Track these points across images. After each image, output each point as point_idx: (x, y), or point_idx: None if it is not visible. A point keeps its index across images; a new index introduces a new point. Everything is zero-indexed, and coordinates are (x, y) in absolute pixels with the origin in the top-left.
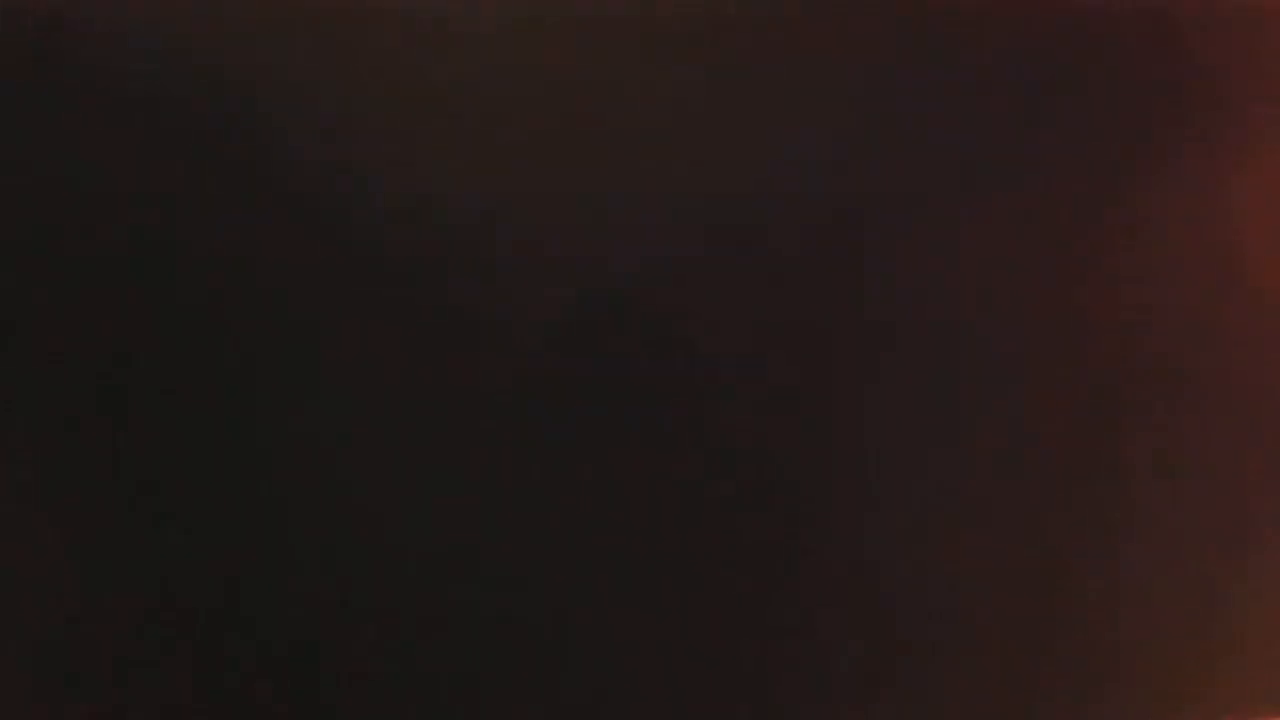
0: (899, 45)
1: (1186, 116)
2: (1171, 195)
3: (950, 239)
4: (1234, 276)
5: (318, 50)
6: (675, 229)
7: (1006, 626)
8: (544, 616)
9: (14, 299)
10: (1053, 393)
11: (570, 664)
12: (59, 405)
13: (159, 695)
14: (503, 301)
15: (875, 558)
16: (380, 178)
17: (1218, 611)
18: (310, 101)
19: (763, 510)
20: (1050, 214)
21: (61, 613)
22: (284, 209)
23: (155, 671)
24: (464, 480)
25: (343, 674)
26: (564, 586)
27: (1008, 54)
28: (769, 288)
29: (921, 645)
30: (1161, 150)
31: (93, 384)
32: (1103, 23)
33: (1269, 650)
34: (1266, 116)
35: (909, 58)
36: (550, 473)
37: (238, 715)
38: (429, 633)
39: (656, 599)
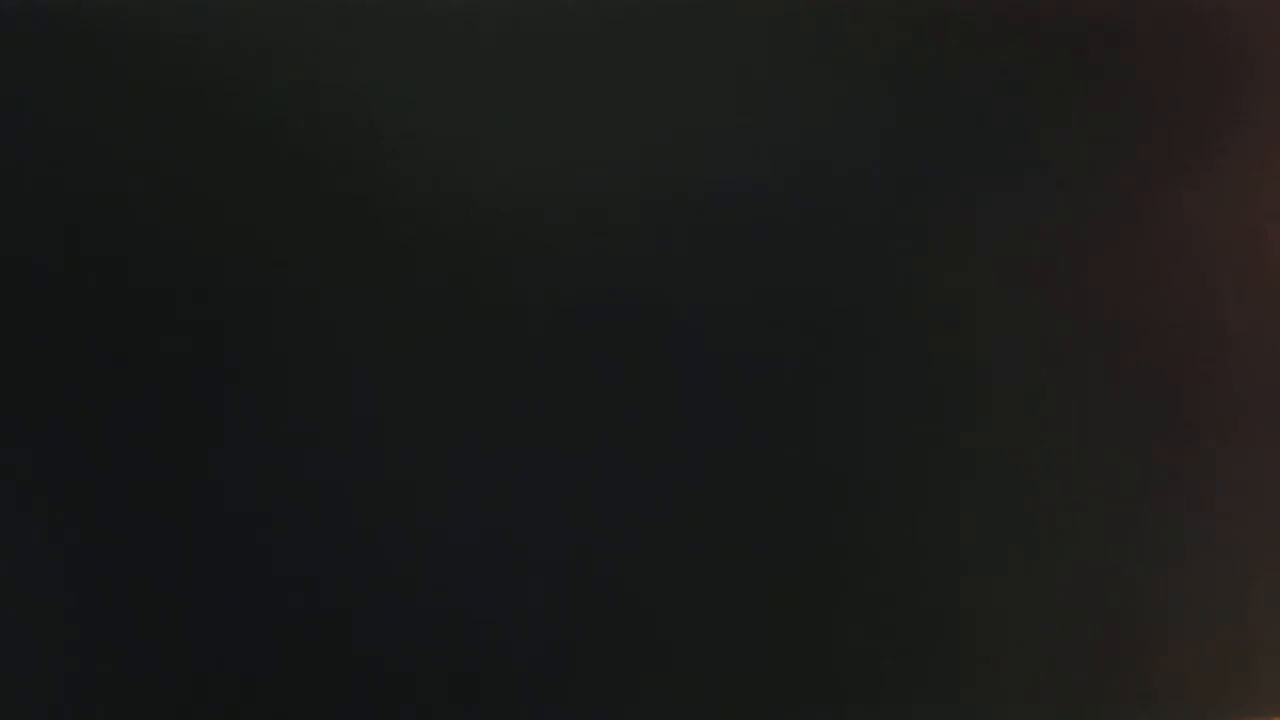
0: (926, 48)
1: (1227, 118)
2: (1218, 201)
3: (984, 243)
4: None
5: (325, 48)
6: (682, 225)
7: (1013, 628)
8: (548, 614)
9: (16, 297)
10: (1076, 400)
11: (574, 662)
12: (73, 401)
13: (159, 695)
14: (509, 296)
15: (887, 557)
16: (385, 176)
17: (1225, 614)
18: (320, 99)
19: (780, 508)
20: (1090, 218)
21: (61, 614)
22: (292, 206)
23: (155, 672)
24: (468, 477)
25: (348, 673)
26: (570, 583)
27: (1033, 54)
28: (790, 288)
29: (927, 646)
30: (1204, 154)
31: (97, 382)
32: (1138, 22)
33: (1275, 653)
34: None
35: (936, 59)
36: (558, 468)
37: (239, 714)
38: (434, 628)
39: (666, 594)
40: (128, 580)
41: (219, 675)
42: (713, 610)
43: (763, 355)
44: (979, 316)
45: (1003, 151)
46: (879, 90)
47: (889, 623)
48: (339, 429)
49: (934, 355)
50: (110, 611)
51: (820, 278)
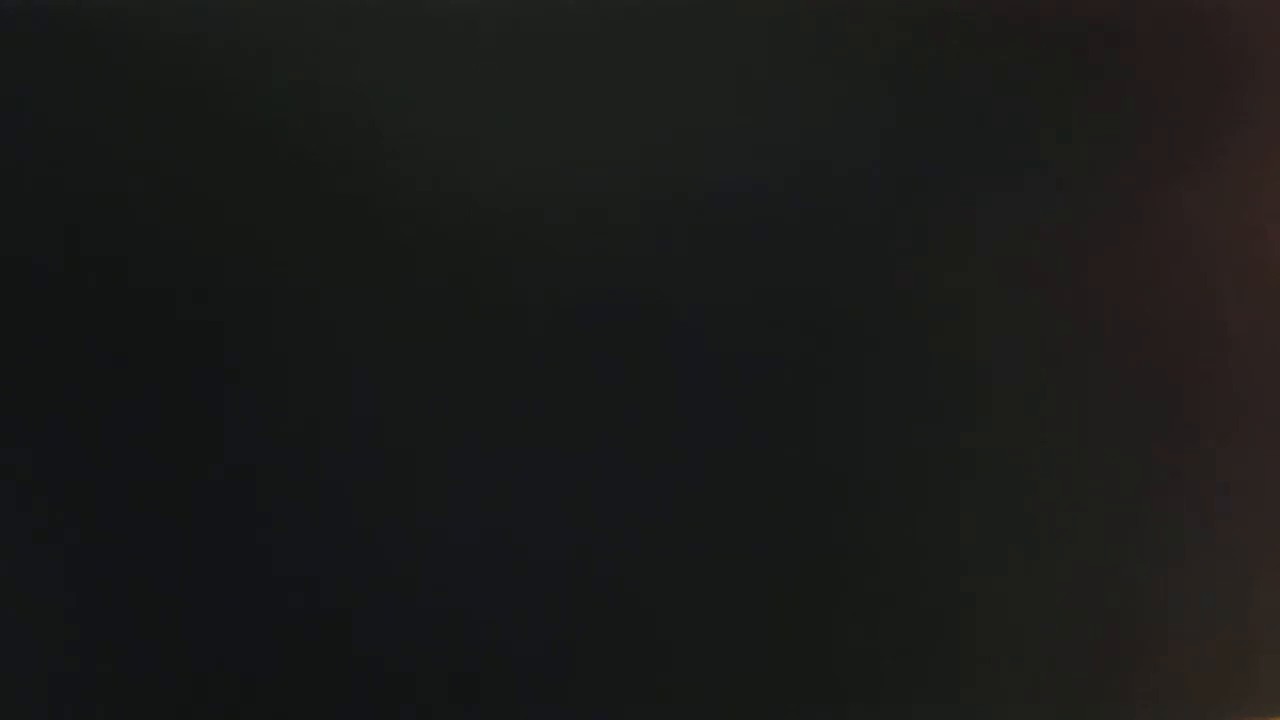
0: (926, 48)
1: (1227, 118)
2: (1218, 201)
3: (984, 243)
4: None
5: (325, 48)
6: (682, 226)
7: (1013, 628)
8: (548, 614)
9: (19, 296)
10: (1076, 400)
11: (574, 662)
12: (80, 399)
13: (159, 695)
14: (509, 296)
15: (887, 557)
16: (385, 176)
17: (1225, 614)
18: (320, 99)
19: (780, 508)
20: (1090, 218)
21: (61, 614)
22: (292, 206)
23: (155, 672)
24: (468, 477)
25: (348, 673)
26: (570, 583)
27: (1033, 54)
28: (790, 288)
29: (927, 646)
30: (1204, 154)
31: (97, 382)
32: (1138, 22)
33: (1275, 653)
34: None
35: (936, 59)
36: (558, 468)
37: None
38: (434, 628)
39: (666, 594)
40: (128, 580)
41: (219, 675)
42: (713, 610)
43: (763, 355)
44: (979, 316)
45: (1003, 151)
46: (879, 90)
47: (889, 623)
48: (339, 429)
49: (934, 355)
50: (110, 611)
51: (820, 278)
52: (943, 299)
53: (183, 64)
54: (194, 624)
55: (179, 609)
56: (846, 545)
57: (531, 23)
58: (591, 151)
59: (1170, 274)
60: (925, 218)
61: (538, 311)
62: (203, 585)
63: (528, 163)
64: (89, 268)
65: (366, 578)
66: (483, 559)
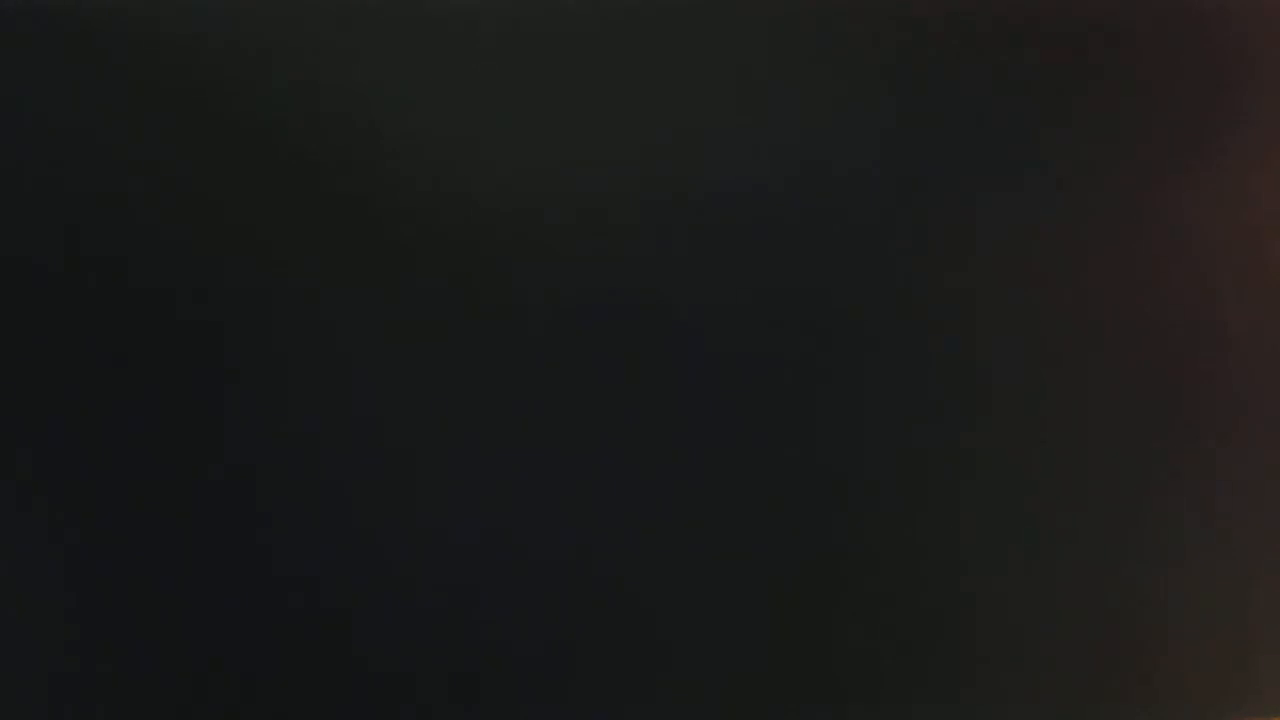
0: (926, 48)
1: (1227, 118)
2: (1218, 201)
3: (984, 243)
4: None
5: (325, 48)
6: (682, 226)
7: (1013, 628)
8: (548, 614)
9: (20, 296)
10: (1076, 400)
11: (574, 662)
12: (83, 398)
13: (159, 695)
14: (509, 296)
15: (887, 557)
16: (385, 176)
17: (1225, 614)
18: (320, 99)
19: (780, 508)
20: (1090, 218)
21: (61, 614)
22: (292, 206)
23: (155, 672)
24: (468, 477)
25: (348, 673)
26: (570, 583)
27: (1033, 54)
28: (790, 288)
29: (927, 646)
30: (1204, 154)
31: (97, 382)
32: (1138, 22)
33: (1275, 653)
34: None
35: (936, 59)
36: (558, 468)
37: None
38: (434, 628)
39: (666, 594)
40: (128, 580)
41: (219, 675)
42: (713, 610)
43: (763, 355)
44: (979, 316)
45: (1003, 151)
46: (879, 90)
47: (889, 623)
48: (339, 429)
49: (934, 355)
50: (110, 611)
51: (820, 278)
52: (943, 299)
53: (183, 64)
54: (194, 624)
55: (179, 609)
56: (846, 545)
57: (531, 23)
58: (591, 151)
59: (1170, 274)
60: (925, 218)
61: (538, 311)
62: (203, 585)
63: (528, 163)
64: (89, 268)
65: (366, 578)
66: (483, 559)
